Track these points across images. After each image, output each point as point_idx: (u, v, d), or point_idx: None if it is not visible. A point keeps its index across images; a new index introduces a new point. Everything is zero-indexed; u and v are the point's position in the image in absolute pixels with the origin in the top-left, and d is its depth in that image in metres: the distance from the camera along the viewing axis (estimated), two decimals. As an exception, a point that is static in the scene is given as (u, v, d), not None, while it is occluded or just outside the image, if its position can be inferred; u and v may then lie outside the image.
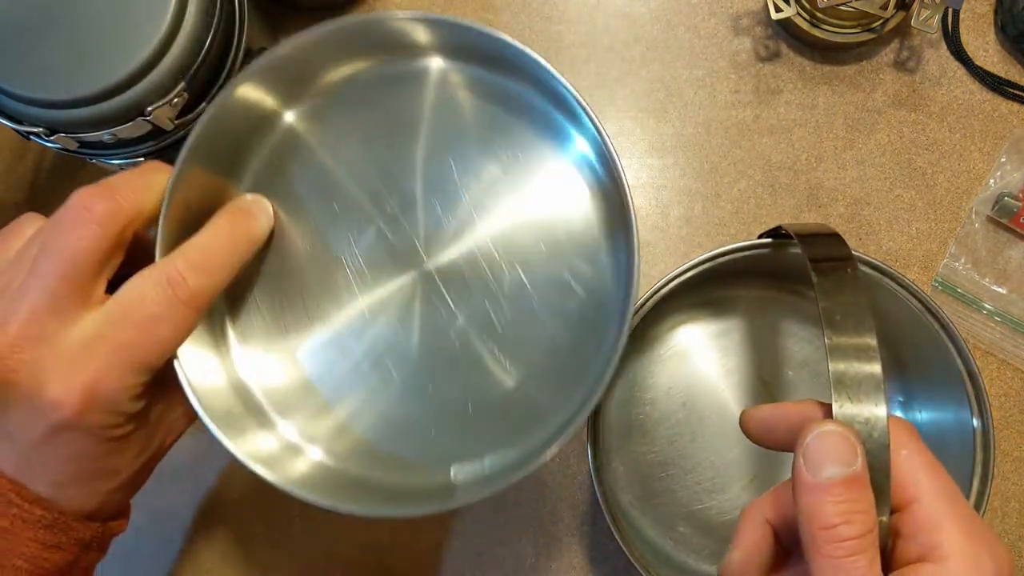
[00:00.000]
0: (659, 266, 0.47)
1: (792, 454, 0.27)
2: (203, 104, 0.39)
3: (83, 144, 0.38)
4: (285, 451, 0.34)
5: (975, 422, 0.38)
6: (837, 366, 0.27)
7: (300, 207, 0.35)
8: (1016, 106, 0.48)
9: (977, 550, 0.26)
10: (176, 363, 0.31)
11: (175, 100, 0.37)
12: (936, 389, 0.41)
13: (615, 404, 0.45)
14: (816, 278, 0.29)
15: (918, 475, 0.27)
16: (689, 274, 0.39)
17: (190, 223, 0.33)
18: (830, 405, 0.27)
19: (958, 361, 0.38)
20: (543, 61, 0.31)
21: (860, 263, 0.39)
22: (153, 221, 0.32)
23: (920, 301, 0.38)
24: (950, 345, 0.38)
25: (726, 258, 0.39)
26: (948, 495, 0.27)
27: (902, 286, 0.39)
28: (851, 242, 0.47)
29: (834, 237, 0.33)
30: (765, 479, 0.44)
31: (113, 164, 0.41)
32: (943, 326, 0.38)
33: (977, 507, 0.37)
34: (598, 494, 0.39)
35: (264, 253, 0.35)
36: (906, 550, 0.26)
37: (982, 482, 0.37)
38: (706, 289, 0.44)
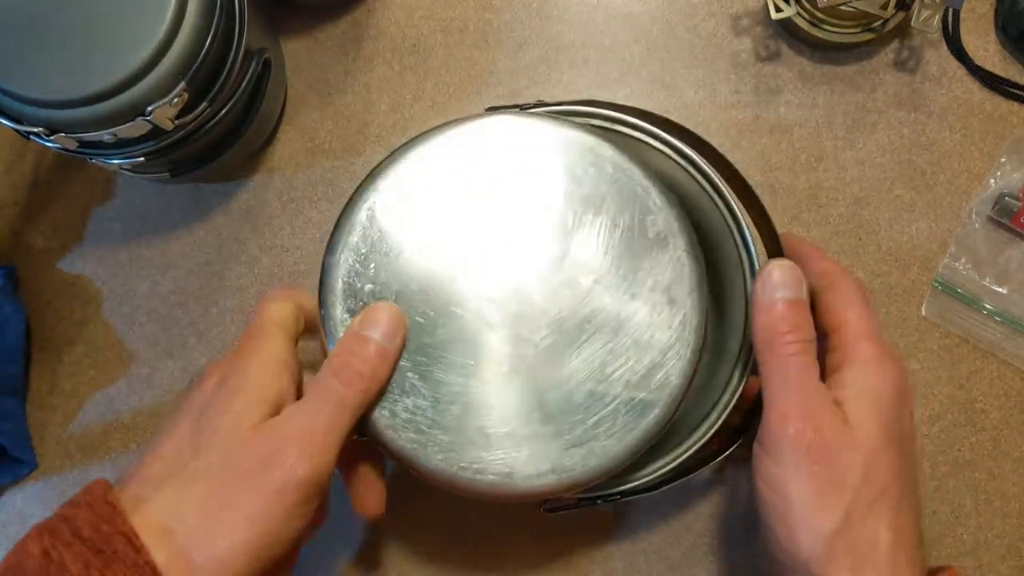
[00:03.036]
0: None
1: None
2: (203, 104, 0.39)
3: (83, 144, 0.38)
4: None
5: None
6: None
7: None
8: (1016, 106, 0.48)
9: (884, 359, 0.34)
10: None
11: (175, 100, 0.37)
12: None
13: None
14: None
15: (848, 305, 0.35)
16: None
17: None
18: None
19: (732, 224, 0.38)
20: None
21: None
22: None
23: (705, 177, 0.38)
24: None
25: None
26: (868, 319, 0.35)
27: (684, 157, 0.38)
28: (851, 242, 0.47)
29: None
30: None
31: (113, 164, 0.41)
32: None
33: None
34: None
35: None
36: (834, 360, 0.35)
37: None
38: None
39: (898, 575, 0.31)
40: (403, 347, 0.33)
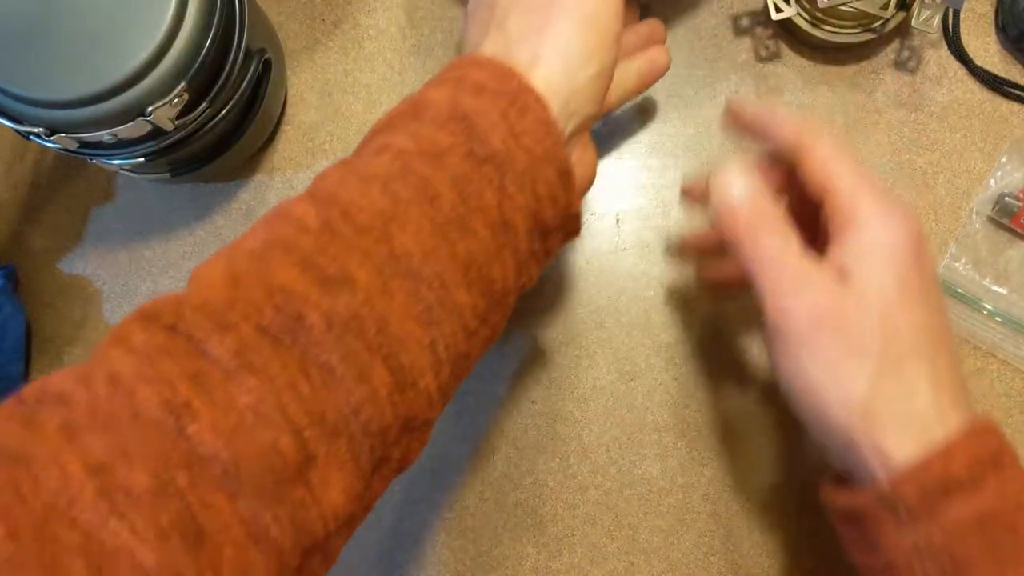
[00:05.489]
0: (659, 266, 0.47)
1: None
2: (203, 104, 0.39)
3: (83, 144, 0.38)
4: None
5: None
6: None
7: None
8: (1016, 106, 0.48)
9: (887, 210, 0.32)
10: None
11: (175, 100, 0.37)
12: None
13: None
14: None
15: (831, 163, 0.33)
16: None
17: None
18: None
19: None
20: None
21: None
22: None
23: None
24: None
25: None
26: (857, 173, 0.33)
27: None
28: (851, 242, 0.47)
29: None
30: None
31: (113, 164, 0.41)
32: None
33: None
34: None
35: None
36: (835, 225, 0.32)
37: None
38: None
39: (944, 418, 0.30)
40: None
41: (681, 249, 0.43)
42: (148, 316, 0.26)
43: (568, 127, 0.31)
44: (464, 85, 0.30)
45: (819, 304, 0.31)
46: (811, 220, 0.35)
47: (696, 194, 0.41)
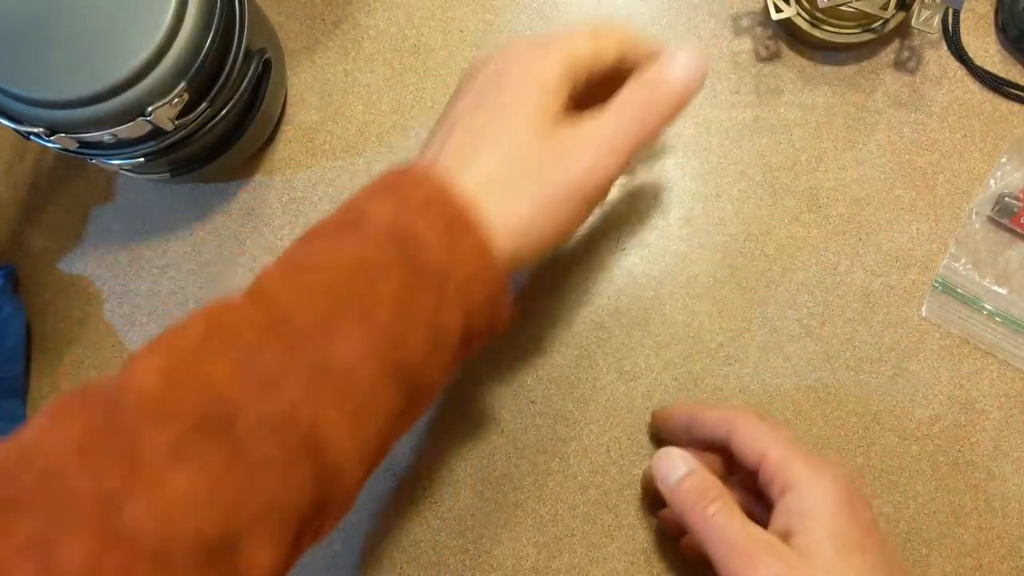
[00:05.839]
0: (659, 266, 0.47)
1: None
2: (203, 104, 0.39)
3: (83, 144, 0.38)
4: None
5: None
6: None
7: None
8: (1016, 106, 0.48)
9: (815, 473, 0.35)
10: None
11: (175, 100, 0.37)
12: None
13: None
14: None
15: (759, 439, 0.37)
16: None
17: None
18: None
19: None
20: None
21: None
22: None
23: None
24: None
25: None
26: (782, 443, 0.37)
27: None
28: (851, 242, 0.47)
29: None
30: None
31: (113, 164, 0.41)
32: None
33: None
34: None
35: None
36: (774, 489, 0.36)
37: None
38: None
39: None
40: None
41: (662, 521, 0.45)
42: (87, 397, 0.27)
43: (515, 260, 0.33)
44: (409, 202, 0.32)
45: (770, 571, 0.33)
46: (752, 489, 0.38)
47: (661, 425, 0.45)
